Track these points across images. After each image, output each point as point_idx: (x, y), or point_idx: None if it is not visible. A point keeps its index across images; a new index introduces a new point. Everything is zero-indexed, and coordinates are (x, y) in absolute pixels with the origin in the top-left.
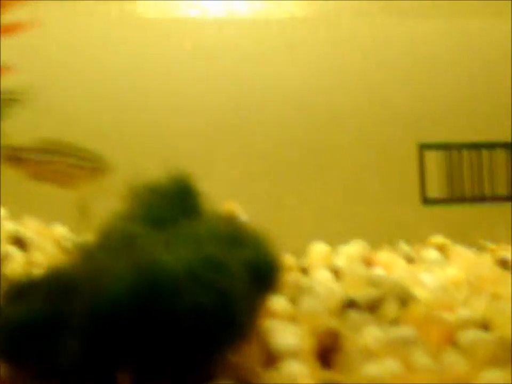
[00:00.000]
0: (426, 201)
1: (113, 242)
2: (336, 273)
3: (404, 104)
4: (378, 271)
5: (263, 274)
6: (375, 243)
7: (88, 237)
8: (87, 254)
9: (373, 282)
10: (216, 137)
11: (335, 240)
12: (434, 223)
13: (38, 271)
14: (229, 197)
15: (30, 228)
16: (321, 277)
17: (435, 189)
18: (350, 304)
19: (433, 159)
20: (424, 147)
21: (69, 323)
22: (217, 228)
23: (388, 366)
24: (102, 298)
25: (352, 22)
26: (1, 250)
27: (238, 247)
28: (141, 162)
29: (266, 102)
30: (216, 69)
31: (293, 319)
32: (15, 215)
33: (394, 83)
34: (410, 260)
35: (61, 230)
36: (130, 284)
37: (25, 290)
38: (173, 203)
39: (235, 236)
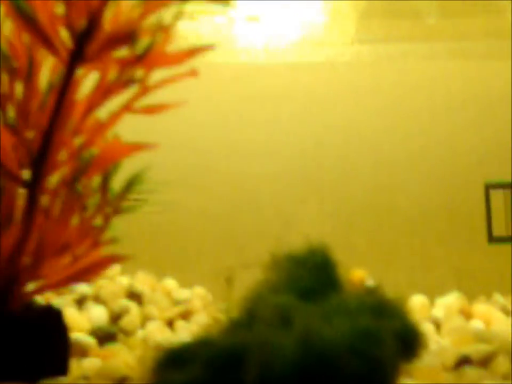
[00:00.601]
0: (492, 239)
1: (263, 312)
2: (437, 325)
3: (470, 145)
4: (478, 324)
5: (408, 342)
6: (444, 284)
7: (232, 305)
8: (235, 323)
9: (481, 337)
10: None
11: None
12: (500, 261)
13: (153, 325)
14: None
15: (142, 282)
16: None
17: (501, 228)
18: (465, 360)
19: (499, 198)
20: (490, 186)
21: None
22: (363, 299)
23: None
24: (270, 369)
25: (418, 65)
26: (119, 304)
27: (384, 316)
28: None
29: (337, 144)
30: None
31: (409, 374)
32: (128, 270)
33: (460, 124)
34: (507, 312)
35: (171, 283)
36: (296, 356)
37: (178, 357)
38: (314, 273)
39: (379, 306)
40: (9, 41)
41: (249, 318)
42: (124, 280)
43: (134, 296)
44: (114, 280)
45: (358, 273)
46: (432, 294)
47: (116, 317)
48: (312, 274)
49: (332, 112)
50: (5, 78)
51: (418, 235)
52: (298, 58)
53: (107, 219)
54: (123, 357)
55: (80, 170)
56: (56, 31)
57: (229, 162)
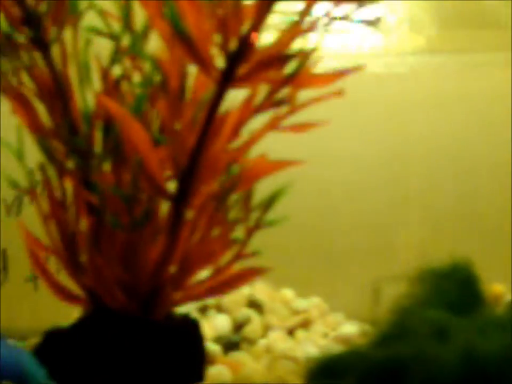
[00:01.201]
0: None
1: (417, 326)
2: None
3: None
4: None
5: None
6: None
7: (377, 318)
8: (385, 336)
9: None
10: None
11: None
12: None
13: (274, 334)
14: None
15: (261, 292)
16: None
17: None
18: None
19: None
20: None
21: None
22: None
23: None
24: (434, 381)
25: (502, 74)
26: (241, 313)
27: None
28: None
29: (423, 153)
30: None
31: None
32: None
33: None
34: None
35: (288, 293)
36: (459, 370)
37: (331, 369)
38: (459, 288)
39: None
40: (160, 59)
41: (400, 331)
42: (244, 290)
43: (255, 305)
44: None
45: (497, 288)
46: None
47: (238, 326)
48: (457, 289)
49: (416, 122)
50: (156, 94)
51: (504, 244)
52: (382, 68)
53: (249, 233)
54: (251, 365)
55: (229, 187)
56: (209, 51)
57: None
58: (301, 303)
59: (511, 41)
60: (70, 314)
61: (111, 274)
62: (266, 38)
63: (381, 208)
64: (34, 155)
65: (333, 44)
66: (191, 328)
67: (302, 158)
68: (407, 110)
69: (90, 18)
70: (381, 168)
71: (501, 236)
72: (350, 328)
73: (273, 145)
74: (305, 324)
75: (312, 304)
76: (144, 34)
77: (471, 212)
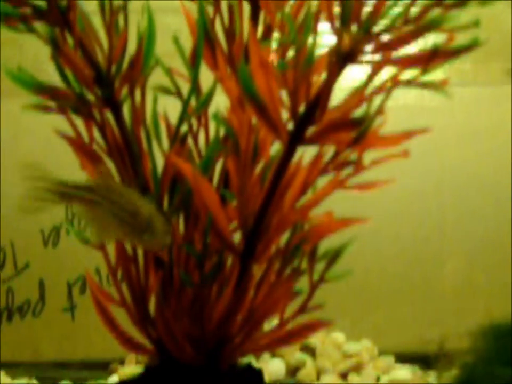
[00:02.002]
0: None
1: (484, 382)
2: None
3: None
4: None
5: None
6: None
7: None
8: None
9: None
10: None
11: None
12: None
13: (328, 377)
14: None
15: (314, 336)
16: None
17: None
18: None
19: None
20: None
21: None
22: None
23: None
24: None
25: None
26: (295, 357)
27: None
28: None
29: (458, 185)
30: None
31: None
32: None
33: None
34: None
35: (340, 337)
36: None
37: None
38: None
39: None
40: (230, 121)
41: None
42: None
43: (308, 349)
44: None
45: None
46: None
47: (293, 370)
48: None
49: (452, 153)
50: (225, 154)
51: None
52: (417, 100)
53: (314, 287)
54: None
55: (297, 244)
56: (279, 113)
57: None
58: (352, 346)
59: None
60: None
61: (179, 327)
62: (335, 100)
63: (416, 241)
64: None
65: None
66: (255, 377)
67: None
68: (441, 143)
69: (157, 78)
70: (416, 200)
71: None
72: (402, 372)
73: None
74: (357, 368)
75: (362, 347)
76: (211, 94)
77: (508, 243)
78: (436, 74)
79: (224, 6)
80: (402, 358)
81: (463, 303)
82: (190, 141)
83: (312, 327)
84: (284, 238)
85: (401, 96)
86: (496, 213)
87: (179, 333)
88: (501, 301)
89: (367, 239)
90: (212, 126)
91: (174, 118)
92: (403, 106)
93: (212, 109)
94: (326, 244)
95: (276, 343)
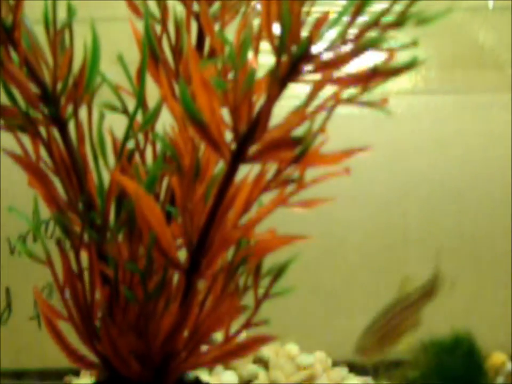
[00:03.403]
0: None
1: None
2: None
3: None
4: None
5: None
6: None
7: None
8: None
9: None
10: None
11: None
12: None
13: None
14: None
15: (267, 347)
16: None
17: None
18: None
19: None
20: None
21: None
22: None
23: None
24: None
25: (501, 115)
26: (248, 370)
27: None
28: None
29: (422, 193)
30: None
31: None
32: None
33: None
34: None
35: (294, 349)
36: None
37: None
38: (462, 361)
39: None
40: (173, 137)
41: None
42: None
43: (261, 361)
44: None
45: (498, 358)
46: None
47: (245, 382)
48: (460, 362)
49: (416, 162)
50: (169, 171)
51: (504, 285)
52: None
53: (259, 303)
54: None
55: (240, 261)
56: (221, 132)
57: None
58: (305, 358)
59: (510, 83)
60: None
61: (125, 343)
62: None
63: (380, 247)
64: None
65: None
66: None
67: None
68: (406, 151)
69: (104, 95)
70: (380, 207)
71: (500, 275)
72: (354, 383)
73: None
74: (310, 379)
75: (316, 358)
76: (157, 111)
77: (470, 252)
78: (401, 83)
79: (171, 25)
80: (358, 369)
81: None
82: (137, 158)
83: (255, 343)
84: (229, 254)
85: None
86: (460, 220)
87: (125, 349)
88: (464, 307)
89: (333, 248)
90: (160, 142)
91: (121, 135)
92: (368, 114)
93: (161, 126)
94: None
95: (222, 357)
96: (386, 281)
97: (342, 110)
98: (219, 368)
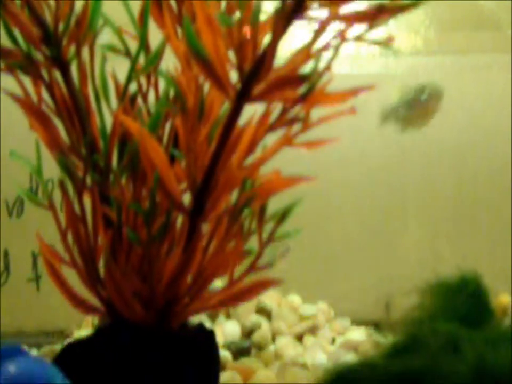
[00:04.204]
0: None
1: (430, 339)
2: None
3: None
4: None
5: None
6: None
7: (390, 329)
8: (397, 348)
9: None
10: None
11: None
12: None
13: (283, 339)
14: None
15: (270, 298)
16: None
17: None
18: None
19: None
20: None
21: None
22: None
23: None
24: None
25: (501, 76)
26: (251, 320)
27: None
28: None
29: (420, 157)
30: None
31: None
32: None
33: None
34: None
35: (296, 300)
36: (471, 381)
37: (346, 381)
38: (469, 301)
39: None
40: (176, 77)
41: (412, 343)
42: None
43: (263, 311)
44: None
45: (504, 299)
46: None
47: (248, 332)
48: (467, 302)
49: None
50: (172, 111)
51: (501, 248)
52: (381, 69)
53: (263, 246)
54: (262, 372)
55: (244, 202)
56: (225, 70)
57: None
58: (308, 309)
59: (510, 43)
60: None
61: (129, 287)
62: (281, 57)
63: (378, 210)
64: (51, 169)
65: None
66: (206, 337)
67: (300, 159)
68: None
69: (107, 37)
70: (379, 170)
71: (499, 237)
72: (357, 334)
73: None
74: (313, 330)
75: (318, 309)
76: (160, 52)
77: (469, 215)
78: (401, 43)
79: None
80: (360, 322)
81: (426, 273)
82: (140, 100)
83: (259, 287)
84: (234, 197)
85: (365, 66)
86: (460, 183)
87: (128, 292)
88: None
89: (331, 212)
90: (162, 86)
91: (124, 78)
92: (367, 75)
93: (163, 69)
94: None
95: (225, 302)
96: (384, 243)
97: (339, 70)
98: (221, 318)
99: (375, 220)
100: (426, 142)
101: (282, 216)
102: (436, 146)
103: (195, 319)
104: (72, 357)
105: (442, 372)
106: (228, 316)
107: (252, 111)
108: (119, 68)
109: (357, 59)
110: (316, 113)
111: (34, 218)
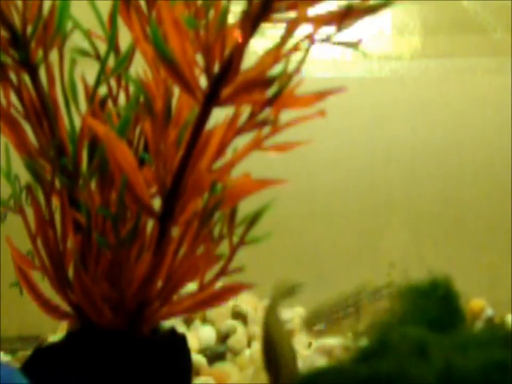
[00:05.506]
0: None
1: (398, 343)
2: None
3: None
4: None
5: None
6: None
7: (360, 335)
8: (366, 352)
9: None
10: (360, 191)
11: None
12: None
13: (259, 344)
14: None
15: (246, 302)
16: None
17: None
18: None
19: None
20: None
21: None
22: (493, 331)
23: None
24: None
25: (485, 79)
26: (226, 324)
27: None
28: None
29: (405, 158)
30: (359, 125)
31: None
32: None
33: None
34: None
35: None
36: None
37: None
38: (439, 305)
39: (507, 338)
40: (145, 80)
41: (380, 347)
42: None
43: (239, 316)
44: None
45: (478, 303)
46: (502, 311)
47: (223, 337)
48: (437, 306)
49: (399, 126)
50: (142, 115)
51: (485, 250)
52: (365, 72)
53: (234, 249)
54: (237, 376)
55: (214, 205)
56: (193, 73)
57: (298, 172)
58: (284, 313)
59: (494, 47)
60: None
61: (98, 291)
62: (249, 61)
63: (364, 211)
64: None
65: (316, 49)
66: (177, 342)
67: (285, 162)
68: (390, 115)
69: (76, 40)
70: (363, 171)
71: (483, 239)
72: (333, 339)
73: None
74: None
75: (295, 313)
76: (130, 55)
77: (454, 215)
78: (385, 47)
79: None
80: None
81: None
82: (111, 104)
83: (231, 291)
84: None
85: (350, 68)
86: (444, 185)
87: (97, 297)
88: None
89: (317, 212)
90: (133, 89)
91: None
92: (352, 78)
93: (134, 74)
94: None
95: (196, 306)
96: (369, 245)
97: (323, 73)
98: (197, 323)
99: (360, 221)
100: (412, 144)
101: (253, 219)
102: (421, 148)
103: (169, 324)
104: (40, 362)
105: (409, 376)
106: (203, 321)
107: (222, 116)
108: (90, 71)
109: (341, 63)
110: (290, 116)
111: (18, 223)
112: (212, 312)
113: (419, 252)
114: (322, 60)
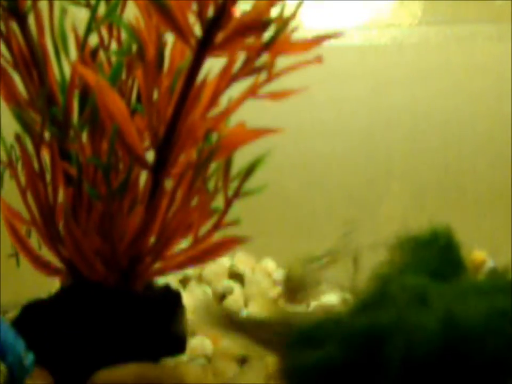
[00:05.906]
0: None
1: (398, 293)
2: None
3: None
4: None
5: None
6: None
7: (358, 285)
8: (365, 303)
9: None
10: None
11: None
12: None
13: (254, 304)
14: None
15: (243, 263)
16: None
17: None
18: None
19: None
20: None
21: (375, 370)
22: (494, 279)
23: None
24: (413, 349)
25: (486, 46)
26: (223, 285)
27: None
28: None
29: (405, 125)
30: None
31: None
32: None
33: None
34: None
35: (270, 265)
36: (439, 336)
37: (311, 337)
38: (440, 255)
39: (509, 286)
40: (137, 28)
41: (380, 298)
42: (225, 261)
43: (236, 276)
44: (216, 260)
45: (479, 255)
46: None
47: (220, 297)
48: (437, 256)
49: (399, 94)
50: (134, 63)
51: (486, 217)
52: (365, 40)
53: (229, 202)
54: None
55: (207, 156)
56: (186, 18)
57: (297, 141)
58: (282, 274)
59: (494, 13)
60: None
61: (90, 246)
62: (244, 6)
63: (363, 180)
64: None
65: (315, 17)
66: (172, 298)
67: (286, 131)
68: (389, 83)
69: None
70: (363, 140)
71: (484, 207)
72: (332, 298)
73: (256, 121)
74: None
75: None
76: (121, 2)
77: (455, 183)
78: (384, 15)
79: None
80: (335, 286)
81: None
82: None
83: (226, 245)
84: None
85: (348, 36)
86: (444, 152)
87: (89, 251)
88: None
89: (315, 181)
90: (125, 38)
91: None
92: (350, 46)
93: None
94: None
95: (190, 261)
96: (368, 214)
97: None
98: (193, 283)
99: (359, 190)
100: (411, 112)
101: (248, 171)
102: (421, 116)
103: (165, 283)
104: (31, 318)
105: (409, 325)
106: (200, 281)
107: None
108: (80, 21)
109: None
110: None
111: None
112: (208, 273)
113: (419, 220)
114: (321, 27)
